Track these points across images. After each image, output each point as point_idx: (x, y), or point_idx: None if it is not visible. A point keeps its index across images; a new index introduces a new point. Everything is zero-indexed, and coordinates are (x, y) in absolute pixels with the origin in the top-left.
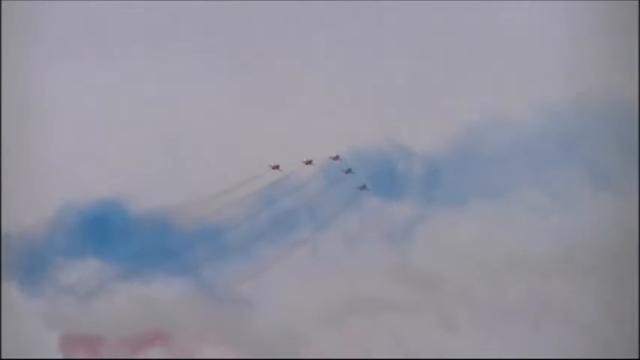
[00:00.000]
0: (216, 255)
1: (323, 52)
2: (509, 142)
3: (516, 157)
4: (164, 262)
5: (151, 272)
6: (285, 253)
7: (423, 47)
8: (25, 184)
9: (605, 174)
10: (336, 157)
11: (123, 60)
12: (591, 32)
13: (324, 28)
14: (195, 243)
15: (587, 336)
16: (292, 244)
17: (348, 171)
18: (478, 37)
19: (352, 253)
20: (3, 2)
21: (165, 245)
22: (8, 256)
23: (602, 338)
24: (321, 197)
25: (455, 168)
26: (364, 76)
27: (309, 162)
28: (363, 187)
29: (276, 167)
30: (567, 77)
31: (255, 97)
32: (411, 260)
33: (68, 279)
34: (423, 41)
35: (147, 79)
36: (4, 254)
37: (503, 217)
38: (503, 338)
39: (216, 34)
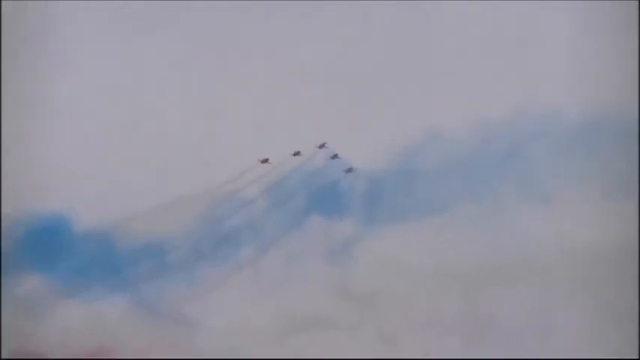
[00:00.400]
0: (160, 273)
1: (261, 64)
2: (447, 157)
3: (454, 172)
4: (108, 279)
5: (96, 289)
6: (228, 273)
7: (364, 60)
8: None
9: (542, 188)
10: (322, 145)
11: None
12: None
13: (262, 42)
14: (140, 260)
15: (527, 348)
16: (235, 264)
17: (335, 156)
18: (418, 52)
19: (294, 272)
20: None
21: (109, 262)
22: None
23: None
24: (264, 216)
25: (394, 184)
26: (303, 91)
27: (297, 153)
28: (349, 170)
29: (265, 161)
30: (505, 92)
31: (191, 112)
32: (351, 278)
33: (12, 295)
34: (363, 54)
35: (97, 89)
36: None
37: (441, 232)
38: (441, 352)
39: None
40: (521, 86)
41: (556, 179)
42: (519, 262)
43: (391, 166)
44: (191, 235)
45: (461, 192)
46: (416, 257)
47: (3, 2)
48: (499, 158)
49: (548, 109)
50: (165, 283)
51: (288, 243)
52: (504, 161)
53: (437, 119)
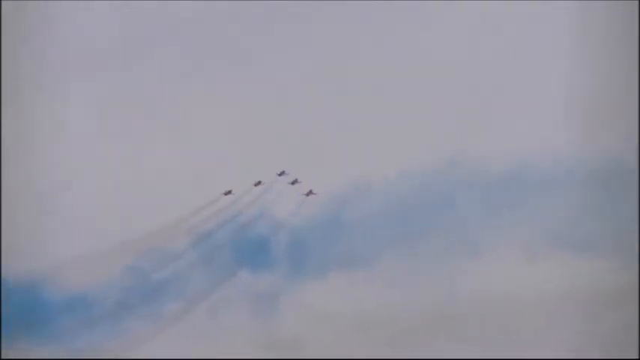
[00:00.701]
0: (88, 324)
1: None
2: (376, 207)
3: (384, 223)
4: (36, 331)
5: (23, 341)
6: (156, 326)
7: (298, 110)
8: None
9: (471, 238)
10: (282, 173)
11: None
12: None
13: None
14: (68, 312)
15: None
16: (162, 317)
17: (295, 182)
18: (347, 99)
19: (220, 324)
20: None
21: (37, 313)
22: None
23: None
24: (191, 269)
25: (322, 235)
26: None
27: (258, 183)
28: (310, 193)
29: (229, 193)
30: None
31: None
32: (276, 329)
33: None
34: (300, 105)
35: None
36: None
37: (370, 284)
38: None
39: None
40: (456, 135)
41: (486, 230)
42: (448, 313)
43: (320, 217)
44: (119, 286)
45: (390, 243)
46: (344, 308)
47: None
48: (429, 209)
49: (478, 158)
50: (93, 334)
51: (216, 295)
52: (434, 212)
53: (366, 168)
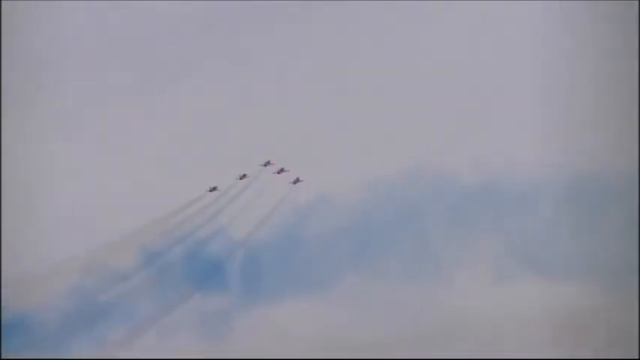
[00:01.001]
0: (30, 348)
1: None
2: (333, 224)
3: (344, 241)
4: None
5: None
6: (102, 350)
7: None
8: None
9: (434, 257)
10: (267, 163)
11: None
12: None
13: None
14: (8, 335)
15: None
16: (109, 341)
17: (281, 171)
18: (308, 111)
19: (172, 346)
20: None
21: None
22: None
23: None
24: (142, 290)
25: (277, 255)
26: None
27: (243, 176)
28: (297, 181)
29: (214, 189)
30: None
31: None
32: (235, 351)
33: None
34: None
35: None
36: None
37: (330, 304)
38: None
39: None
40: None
41: (450, 248)
42: (415, 335)
43: (278, 236)
44: (64, 309)
45: (350, 262)
46: (303, 331)
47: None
48: (391, 226)
49: (441, 172)
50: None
51: (167, 317)
52: (397, 229)
53: (327, 183)
